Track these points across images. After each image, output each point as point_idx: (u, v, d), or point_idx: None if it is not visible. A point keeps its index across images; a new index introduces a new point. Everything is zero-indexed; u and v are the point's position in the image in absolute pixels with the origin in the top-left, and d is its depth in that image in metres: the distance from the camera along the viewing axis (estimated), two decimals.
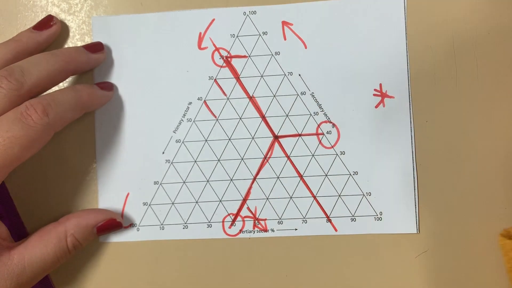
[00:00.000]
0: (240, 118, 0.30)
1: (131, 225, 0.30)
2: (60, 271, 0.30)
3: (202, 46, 0.30)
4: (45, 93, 0.27)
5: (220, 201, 0.30)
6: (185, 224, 0.30)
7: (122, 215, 0.30)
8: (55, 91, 0.27)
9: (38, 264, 0.26)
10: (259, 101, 0.30)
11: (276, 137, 0.30)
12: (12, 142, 0.23)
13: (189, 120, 0.30)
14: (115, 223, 0.29)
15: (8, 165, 0.24)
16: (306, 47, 0.30)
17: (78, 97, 0.27)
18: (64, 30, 0.31)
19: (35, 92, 0.26)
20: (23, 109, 0.24)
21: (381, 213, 0.29)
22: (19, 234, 0.30)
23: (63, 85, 0.30)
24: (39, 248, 0.26)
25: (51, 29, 0.29)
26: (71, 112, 0.27)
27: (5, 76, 0.25)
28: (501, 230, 0.28)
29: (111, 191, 0.30)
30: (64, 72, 0.28)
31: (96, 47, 0.29)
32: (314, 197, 0.30)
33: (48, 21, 0.29)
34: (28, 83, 0.25)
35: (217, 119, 0.30)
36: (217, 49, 0.30)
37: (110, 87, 0.30)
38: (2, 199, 0.30)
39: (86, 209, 0.30)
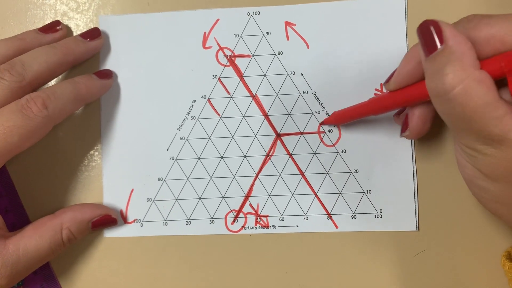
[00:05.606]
0: (243, 116, 0.31)
1: (135, 220, 0.31)
2: (64, 265, 0.30)
3: (206, 46, 0.31)
4: (46, 87, 0.28)
5: (223, 197, 0.30)
6: (188, 220, 0.30)
7: (126, 210, 0.31)
8: (55, 84, 0.28)
9: (33, 254, 0.26)
10: (262, 99, 0.31)
11: (278, 135, 0.30)
12: (12, 131, 0.25)
13: (193, 118, 0.31)
14: (110, 219, 0.30)
15: (7, 153, 0.25)
16: (308, 47, 0.30)
17: (76, 90, 0.28)
18: (72, 29, 0.31)
19: (36, 84, 0.27)
20: (24, 101, 0.25)
21: (381, 211, 0.30)
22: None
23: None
24: (34, 239, 0.26)
25: (56, 34, 0.30)
26: (71, 105, 0.28)
27: (7, 69, 0.26)
28: (500, 228, 0.29)
29: (116, 187, 0.31)
30: (64, 64, 0.28)
31: (94, 34, 0.30)
32: (315, 194, 0.30)
33: (54, 25, 0.30)
34: (29, 75, 0.26)
35: (220, 117, 0.31)
36: (221, 48, 0.31)
37: (109, 75, 0.30)
38: (9, 192, 0.31)
39: (82, 204, 0.30)
